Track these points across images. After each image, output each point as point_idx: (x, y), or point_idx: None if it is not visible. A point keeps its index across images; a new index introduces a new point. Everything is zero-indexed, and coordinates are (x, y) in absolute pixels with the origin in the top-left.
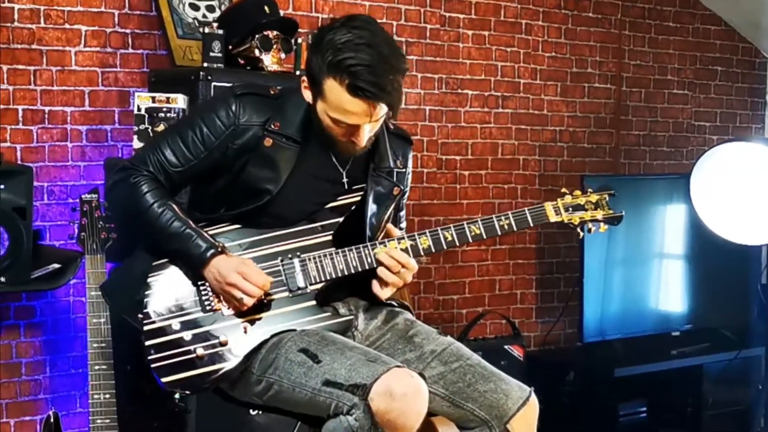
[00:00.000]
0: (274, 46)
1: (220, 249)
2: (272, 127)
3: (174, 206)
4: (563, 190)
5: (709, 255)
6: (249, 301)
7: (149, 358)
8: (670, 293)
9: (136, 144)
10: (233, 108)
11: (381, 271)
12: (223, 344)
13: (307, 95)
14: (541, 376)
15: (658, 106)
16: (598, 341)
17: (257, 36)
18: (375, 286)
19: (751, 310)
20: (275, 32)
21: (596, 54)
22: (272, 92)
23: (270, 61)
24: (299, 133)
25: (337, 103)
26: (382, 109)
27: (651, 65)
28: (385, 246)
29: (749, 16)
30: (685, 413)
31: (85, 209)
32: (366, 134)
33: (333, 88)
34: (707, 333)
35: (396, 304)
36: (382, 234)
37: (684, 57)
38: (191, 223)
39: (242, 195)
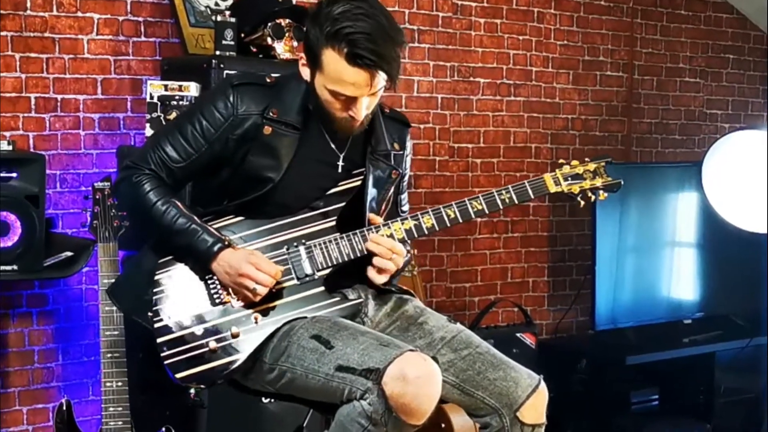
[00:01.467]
0: (287, 34)
1: (226, 242)
2: (271, 114)
3: (177, 203)
4: (560, 161)
5: (721, 243)
6: (262, 291)
7: (162, 354)
8: (681, 281)
9: (149, 132)
10: (231, 99)
11: (376, 260)
12: (234, 336)
13: (305, 72)
14: (553, 363)
15: (670, 94)
16: (610, 329)
17: (269, 24)
18: (371, 273)
19: (763, 297)
20: (287, 20)
21: (608, 42)
22: (269, 80)
23: (282, 49)
24: (298, 119)
25: (336, 73)
26: (381, 80)
27: (663, 53)
28: (389, 228)
29: (760, 4)
30: (696, 401)
31: (97, 197)
32: (363, 107)
33: (331, 58)
34: (719, 321)
35: (409, 293)
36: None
37: (696, 45)
38: (196, 218)
39: (245, 185)
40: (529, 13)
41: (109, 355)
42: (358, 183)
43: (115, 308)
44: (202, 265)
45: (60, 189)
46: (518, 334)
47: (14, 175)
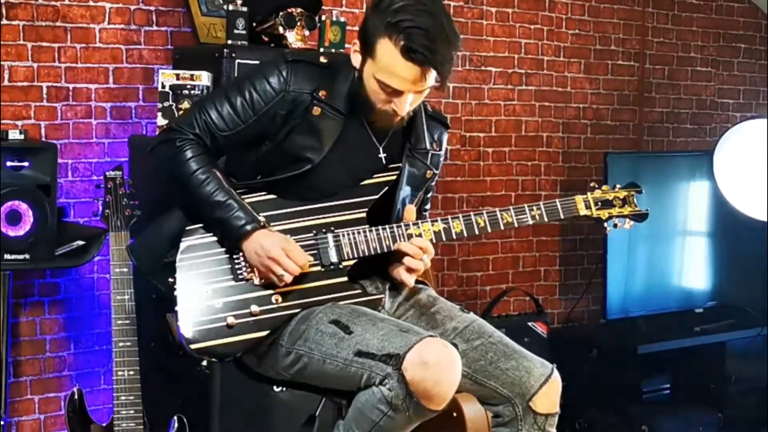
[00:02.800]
0: (298, 24)
1: (262, 224)
2: (320, 95)
3: (218, 174)
4: (592, 184)
5: (732, 231)
6: (288, 278)
7: (178, 323)
8: (693, 270)
9: (160, 121)
10: (284, 74)
11: (407, 260)
12: (253, 314)
13: (356, 59)
14: (564, 352)
15: (681, 83)
16: (621, 318)
17: (281, 13)
18: (402, 274)
19: None
20: (299, 9)
21: (620, 31)
22: (323, 60)
23: (294, 38)
24: (344, 105)
25: (388, 64)
26: (431, 79)
27: (674, 42)
28: (418, 228)
29: None
30: (708, 390)
31: (109, 186)
32: (407, 104)
33: (386, 48)
34: (730, 310)
35: (423, 282)
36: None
37: (707, 34)
38: (234, 193)
39: (283, 162)
40: (541, 2)
41: (120, 344)
42: (393, 177)
43: (126, 297)
44: (231, 241)
45: (72, 178)
46: (530, 323)
47: (26, 164)
